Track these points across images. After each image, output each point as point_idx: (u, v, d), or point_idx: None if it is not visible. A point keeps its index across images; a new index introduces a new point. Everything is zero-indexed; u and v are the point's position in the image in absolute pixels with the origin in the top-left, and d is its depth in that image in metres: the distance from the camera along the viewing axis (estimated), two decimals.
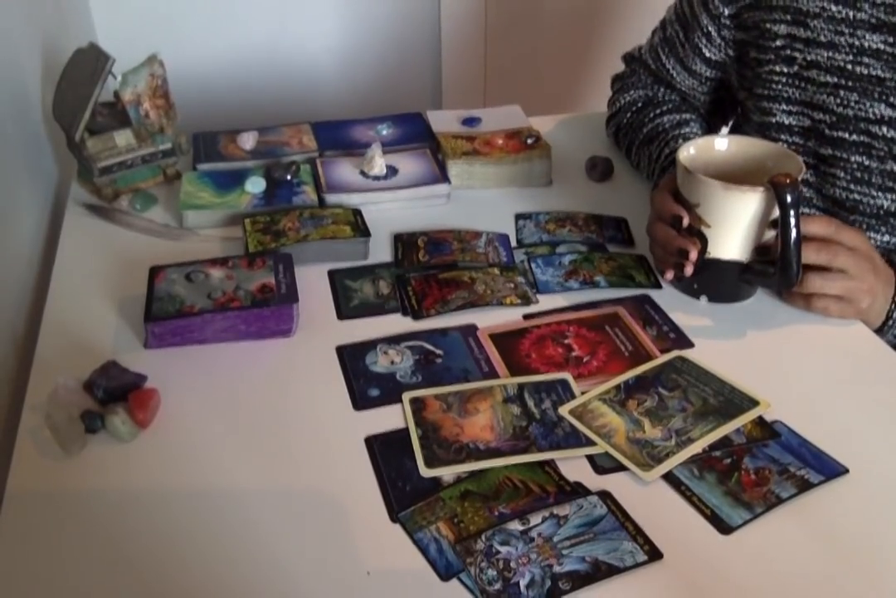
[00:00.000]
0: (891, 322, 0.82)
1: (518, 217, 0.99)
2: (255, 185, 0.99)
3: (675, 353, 0.78)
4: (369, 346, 0.79)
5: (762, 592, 0.57)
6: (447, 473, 0.66)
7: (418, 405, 0.72)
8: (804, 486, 0.64)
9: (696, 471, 0.66)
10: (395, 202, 1.01)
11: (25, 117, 1.05)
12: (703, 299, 0.85)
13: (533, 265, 0.90)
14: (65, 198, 1.05)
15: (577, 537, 0.60)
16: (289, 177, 1.01)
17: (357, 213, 0.96)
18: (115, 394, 0.71)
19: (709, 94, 1.07)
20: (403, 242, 0.93)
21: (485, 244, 0.93)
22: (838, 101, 0.87)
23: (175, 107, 1.02)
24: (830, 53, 0.87)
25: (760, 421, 0.70)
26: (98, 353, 0.77)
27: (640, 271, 0.89)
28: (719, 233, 0.79)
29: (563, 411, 0.71)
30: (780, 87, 0.92)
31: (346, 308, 0.84)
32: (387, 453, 0.68)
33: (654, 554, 0.59)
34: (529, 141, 1.07)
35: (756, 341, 0.80)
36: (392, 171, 1.03)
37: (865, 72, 0.85)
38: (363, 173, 1.03)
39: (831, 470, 0.66)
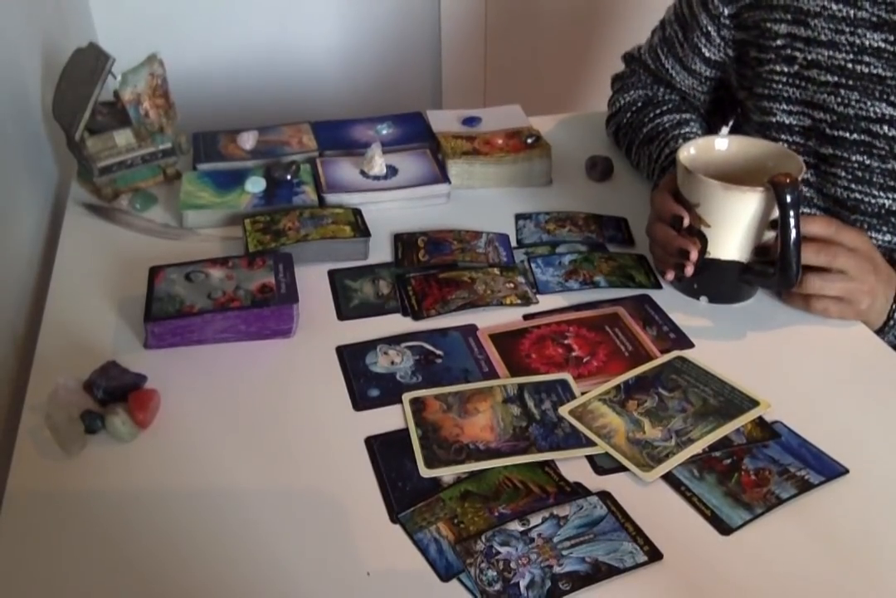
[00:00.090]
0: (892, 322, 0.82)
1: (518, 217, 0.99)
2: (255, 184, 0.99)
3: (675, 353, 0.78)
4: (369, 346, 0.79)
5: (762, 592, 0.57)
6: (447, 473, 0.66)
7: (418, 406, 0.72)
8: (804, 486, 0.64)
9: (696, 472, 0.66)
10: (395, 202, 1.00)
11: (25, 117, 1.05)
12: (703, 299, 0.85)
13: (533, 265, 0.90)
14: (65, 198, 1.05)
15: (577, 537, 0.60)
16: (289, 177, 1.01)
17: (357, 212, 0.96)
18: (115, 394, 0.71)
19: (708, 94, 1.07)
20: (403, 242, 0.93)
21: (485, 244, 0.92)
22: (839, 100, 0.87)
23: (175, 106, 1.02)
24: (831, 52, 0.87)
25: (760, 422, 0.70)
26: (98, 353, 0.77)
27: (640, 271, 0.89)
28: (719, 233, 0.79)
29: (563, 411, 0.71)
30: (780, 86, 0.92)
31: (346, 308, 0.84)
32: (387, 453, 0.68)
33: (654, 555, 0.59)
34: (529, 141, 1.07)
35: (756, 342, 0.80)
36: (392, 170, 1.03)
37: (866, 71, 0.85)
38: (363, 173, 1.03)
39: (831, 471, 0.66)
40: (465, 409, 0.71)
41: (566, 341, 0.79)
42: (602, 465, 0.67)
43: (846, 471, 0.66)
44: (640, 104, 1.09)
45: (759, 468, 0.66)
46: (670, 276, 0.83)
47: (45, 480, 0.66)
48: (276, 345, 0.79)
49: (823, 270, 0.78)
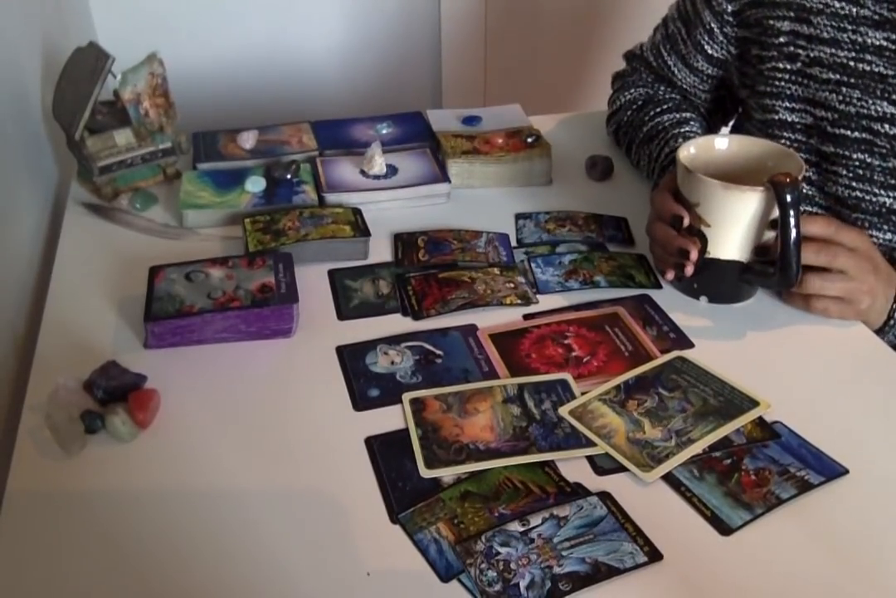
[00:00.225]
0: (892, 322, 0.82)
1: (518, 217, 0.99)
2: (255, 184, 0.99)
3: (675, 353, 0.78)
4: (369, 346, 0.79)
5: (762, 593, 0.57)
6: (447, 473, 0.66)
7: (418, 406, 0.72)
8: (804, 487, 0.64)
9: (696, 472, 0.66)
10: (395, 202, 1.00)
11: (25, 117, 1.05)
12: (703, 299, 0.85)
13: (533, 265, 0.90)
14: (65, 198, 1.05)
15: (577, 538, 0.60)
16: (289, 176, 1.01)
17: (357, 212, 0.96)
18: (115, 394, 0.71)
19: (709, 93, 1.07)
20: (403, 242, 0.93)
21: (485, 244, 0.92)
22: (840, 98, 0.88)
23: (175, 106, 1.02)
24: (833, 50, 0.87)
25: (760, 422, 0.70)
26: (98, 353, 0.77)
27: (640, 271, 0.89)
28: (719, 233, 0.79)
29: (563, 411, 0.71)
30: (782, 84, 0.92)
31: (346, 308, 0.84)
32: (387, 453, 0.68)
33: (654, 555, 0.59)
34: (529, 140, 1.07)
35: (756, 342, 0.80)
36: (392, 170, 1.03)
37: (868, 69, 0.86)
38: (363, 173, 1.03)
39: (831, 471, 0.66)
40: (465, 409, 0.71)
41: (566, 341, 0.79)
42: (602, 465, 0.67)
43: (846, 471, 0.66)
44: (640, 102, 1.09)
45: (759, 469, 0.66)
46: (670, 275, 0.83)
47: (45, 480, 0.66)
48: (276, 345, 0.79)
49: (823, 270, 0.78)
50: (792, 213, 0.73)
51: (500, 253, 0.91)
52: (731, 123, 1.14)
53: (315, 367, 0.77)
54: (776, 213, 0.75)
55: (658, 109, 1.05)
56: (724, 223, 0.78)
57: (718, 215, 0.78)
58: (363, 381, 0.75)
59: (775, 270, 0.77)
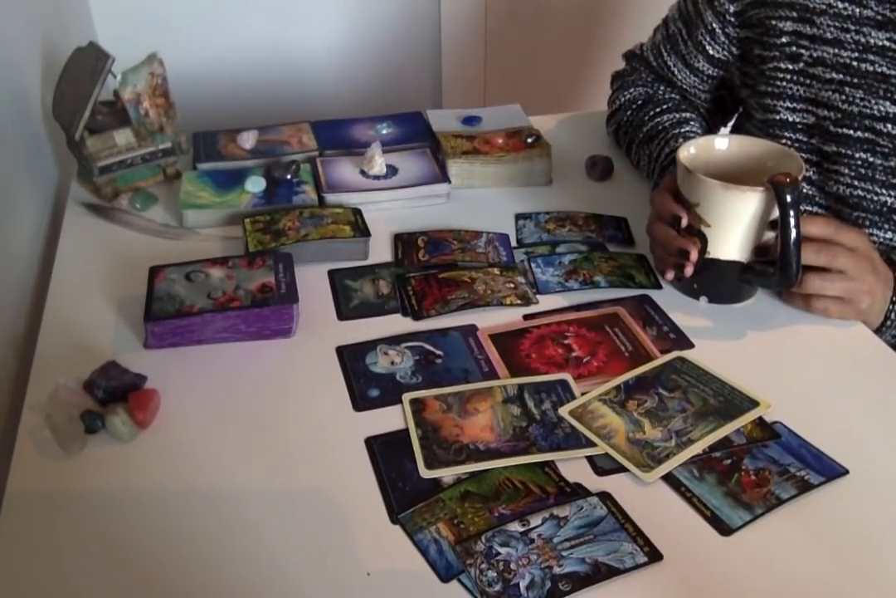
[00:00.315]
0: (889, 322, 0.82)
1: (518, 217, 0.99)
2: (255, 184, 0.99)
3: (675, 353, 0.78)
4: (369, 346, 0.79)
5: (762, 593, 0.57)
6: (447, 474, 0.66)
7: (418, 406, 0.72)
8: (804, 487, 0.64)
9: (696, 472, 0.66)
10: (395, 202, 1.00)
11: (25, 117, 1.05)
12: (703, 299, 0.85)
13: (533, 265, 0.90)
14: (65, 198, 1.05)
15: (577, 538, 0.60)
16: (289, 176, 1.01)
17: (357, 212, 0.96)
18: (115, 394, 0.71)
19: (709, 93, 1.07)
20: (403, 242, 0.93)
21: (485, 244, 0.92)
22: (843, 97, 0.88)
23: (175, 106, 1.02)
24: (836, 50, 0.87)
25: (760, 422, 0.70)
26: (98, 353, 0.77)
27: (640, 271, 0.89)
28: (719, 233, 0.79)
29: (563, 411, 0.71)
30: (784, 84, 0.92)
31: (346, 308, 0.84)
32: (387, 453, 0.68)
33: (654, 555, 0.59)
34: (529, 140, 1.07)
35: (756, 342, 0.80)
36: (392, 170, 1.03)
37: (871, 69, 0.86)
38: (363, 173, 1.03)
39: (831, 471, 0.66)
40: (465, 409, 0.71)
41: (566, 341, 0.79)
42: (602, 465, 0.67)
43: (846, 471, 0.66)
44: (640, 102, 1.09)
45: (759, 469, 0.66)
46: (670, 275, 0.83)
47: (45, 480, 0.66)
48: (276, 345, 0.79)
49: (823, 270, 0.78)
50: (792, 213, 0.73)
51: (500, 253, 0.91)
52: (730, 124, 1.14)
53: (315, 367, 0.77)
54: (776, 213, 0.75)
55: (658, 109, 1.05)
56: (724, 223, 0.78)
57: (718, 215, 0.78)
58: (363, 381, 0.75)
59: (775, 270, 0.77)
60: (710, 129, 1.10)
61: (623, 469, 0.66)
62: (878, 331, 0.82)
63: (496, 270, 0.88)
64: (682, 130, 1.01)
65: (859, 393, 0.74)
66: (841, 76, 0.88)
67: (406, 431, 0.69)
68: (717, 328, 0.82)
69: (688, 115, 1.04)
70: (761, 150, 0.83)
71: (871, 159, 0.88)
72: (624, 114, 1.10)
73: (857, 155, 0.89)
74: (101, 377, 0.72)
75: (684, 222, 0.80)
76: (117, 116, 1.01)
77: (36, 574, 0.59)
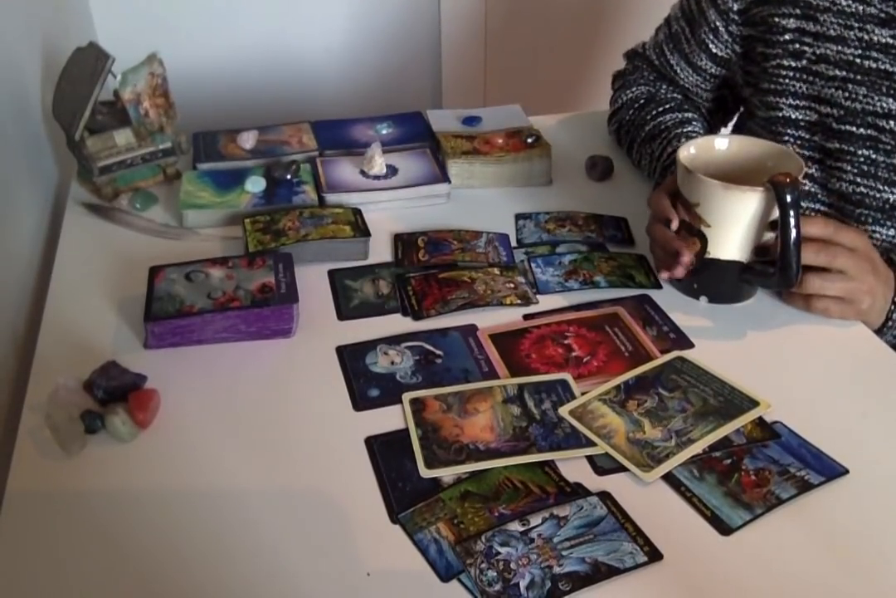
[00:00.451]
0: (890, 323, 0.82)
1: (518, 217, 0.99)
2: (255, 184, 0.99)
3: (675, 353, 0.78)
4: (369, 346, 0.79)
5: (762, 593, 0.57)
6: (447, 473, 0.66)
7: (418, 406, 0.72)
8: (804, 487, 0.64)
9: (696, 472, 0.66)
10: (395, 202, 1.00)
11: (25, 117, 1.05)
12: (703, 299, 0.85)
13: (533, 265, 0.90)
14: (65, 198, 1.05)
15: (577, 538, 0.60)
16: (289, 176, 1.01)
17: (357, 212, 0.96)
18: (115, 394, 0.71)
19: (711, 92, 1.07)
20: (403, 242, 0.93)
21: (485, 244, 0.92)
22: (846, 95, 0.88)
23: (175, 106, 1.02)
24: (839, 47, 0.87)
25: (760, 422, 0.70)
26: (98, 353, 0.77)
27: (640, 271, 0.89)
28: (719, 233, 0.79)
29: (563, 411, 0.71)
30: (787, 81, 0.92)
31: (346, 308, 0.84)
32: (387, 453, 0.68)
33: (654, 555, 0.59)
34: (529, 140, 1.07)
35: (756, 342, 0.80)
36: (392, 170, 1.03)
37: (874, 66, 0.86)
38: (363, 173, 1.03)
39: (831, 471, 0.66)
40: (465, 409, 0.71)
41: (566, 341, 0.79)
42: (602, 465, 0.67)
43: (846, 471, 0.66)
44: (642, 101, 1.09)
45: (759, 469, 0.66)
46: (666, 275, 0.83)
47: (45, 480, 0.66)
48: (276, 345, 0.79)
49: (824, 271, 0.78)
50: (792, 213, 0.73)
51: (500, 253, 0.91)
52: (731, 124, 1.14)
53: (315, 367, 0.77)
54: (776, 213, 0.75)
55: (660, 109, 1.05)
56: (724, 223, 0.78)
57: (718, 215, 0.78)
58: (363, 381, 0.75)
59: (775, 270, 0.77)
60: (711, 129, 1.10)
61: (623, 469, 0.66)
62: (879, 332, 0.82)
63: (496, 270, 0.88)
64: (685, 129, 1.01)
65: (859, 393, 0.74)
66: (844, 73, 0.88)
67: (406, 431, 0.69)
68: (717, 328, 0.82)
69: (690, 115, 1.04)
70: (761, 150, 0.83)
71: (873, 156, 0.88)
72: (626, 113, 1.10)
73: (859, 152, 0.89)
74: (101, 377, 0.72)
75: (674, 225, 0.81)
76: (117, 116, 1.01)
77: (36, 574, 0.59)
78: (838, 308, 0.80)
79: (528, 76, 2.07)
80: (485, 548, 0.59)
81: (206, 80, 1.85)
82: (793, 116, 0.93)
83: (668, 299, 0.85)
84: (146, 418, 0.70)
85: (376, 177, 1.02)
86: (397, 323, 0.82)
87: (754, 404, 0.71)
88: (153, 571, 0.59)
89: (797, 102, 0.92)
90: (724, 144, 0.85)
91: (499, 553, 0.59)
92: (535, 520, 0.61)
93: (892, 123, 0.86)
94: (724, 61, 1.02)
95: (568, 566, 0.58)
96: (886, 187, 0.89)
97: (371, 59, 1.95)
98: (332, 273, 0.89)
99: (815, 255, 0.77)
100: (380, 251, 0.92)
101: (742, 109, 1.10)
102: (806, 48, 0.90)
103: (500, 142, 1.07)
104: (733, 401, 0.72)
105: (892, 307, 0.81)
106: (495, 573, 0.57)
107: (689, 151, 0.83)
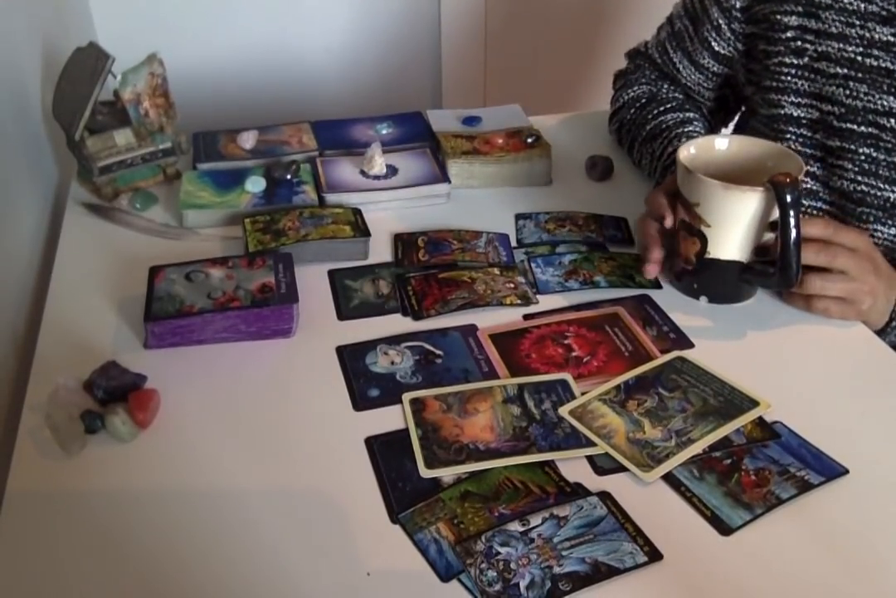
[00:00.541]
0: (894, 323, 0.82)
1: (518, 217, 0.99)
2: (255, 184, 0.99)
3: (675, 353, 0.78)
4: (369, 346, 0.79)
5: (762, 593, 0.57)
6: (447, 473, 0.66)
7: (418, 406, 0.72)
8: (804, 487, 0.64)
9: (696, 472, 0.66)
10: (395, 202, 1.00)
11: (25, 117, 1.05)
12: (703, 299, 0.85)
13: (533, 265, 0.90)
14: (65, 198, 1.05)
15: (577, 538, 0.60)
16: (289, 176, 1.01)
17: (357, 212, 0.96)
18: (115, 394, 0.71)
19: (713, 91, 1.07)
20: (403, 242, 0.93)
21: (485, 244, 0.92)
22: (847, 92, 0.88)
23: (175, 106, 1.02)
24: (841, 45, 0.88)
25: (760, 422, 0.70)
26: (98, 353, 0.77)
27: (641, 271, 0.89)
28: (719, 233, 0.79)
29: (563, 411, 0.71)
30: (789, 78, 0.92)
31: (346, 308, 0.84)
32: (387, 453, 0.68)
33: (654, 555, 0.59)
34: (529, 140, 1.07)
35: (756, 342, 0.80)
36: (392, 170, 1.03)
37: (875, 64, 0.86)
38: (363, 173, 1.03)
39: (831, 471, 0.66)
40: (465, 409, 0.71)
41: (566, 341, 0.79)
42: (602, 465, 0.67)
43: (846, 471, 0.66)
44: (643, 100, 1.09)
45: (759, 469, 0.66)
46: (648, 273, 0.84)
47: (45, 480, 0.66)
48: (276, 345, 0.79)
49: (824, 271, 0.78)
50: (792, 213, 0.73)
51: (500, 253, 0.91)
52: (732, 124, 1.14)
53: (315, 367, 0.77)
54: (776, 213, 0.75)
55: (662, 108, 1.05)
56: (724, 223, 0.78)
57: (718, 215, 0.78)
58: (363, 381, 0.75)
59: (775, 270, 0.77)
60: (712, 128, 1.10)
61: (623, 469, 0.66)
62: (882, 332, 0.82)
63: (496, 270, 0.88)
64: (686, 129, 1.01)
65: (859, 393, 0.74)
66: (845, 71, 0.88)
67: (406, 431, 0.69)
68: (717, 328, 0.82)
69: (691, 115, 1.04)
70: (761, 150, 0.83)
71: (874, 155, 0.88)
72: (627, 112, 1.10)
73: (860, 150, 0.89)
74: (101, 377, 0.72)
75: (667, 223, 0.82)
76: (117, 116, 1.01)
77: (36, 574, 0.59)
78: (839, 309, 0.80)
79: (528, 76, 2.07)
80: (485, 548, 0.59)
81: (206, 80, 1.85)
82: (794, 114, 0.93)
83: (668, 299, 0.85)
84: (146, 418, 0.70)
85: (376, 177, 1.02)
86: (397, 323, 0.82)
87: (754, 404, 0.71)
88: (153, 571, 0.59)
89: (798, 99, 0.92)
90: (724, 143, 0.85)
91: (499, 553, 0.59)
92: (535, 520, 0.61)
93: (892, 121, 0.86)
94: (727, 59, 1.02)
95: (568, 566, 0.58)
96: (887, 186, 0.89)
97: (371, 60, 1.95)
98: (332, 273, 0.89)
99: (815, 255, 0.77)
100: (380, 251, 0.92)
101: (743, 108, 1.10)
102: (808, 45, 0.90)
103: (500, 142, 1.07)
104: (733, 401, 0.72)
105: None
106: (495, 573, 0.57)
107: (689, 151, 0.83)
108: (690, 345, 0.79)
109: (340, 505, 0.64)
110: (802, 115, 0.93)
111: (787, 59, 0.92)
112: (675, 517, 0.62)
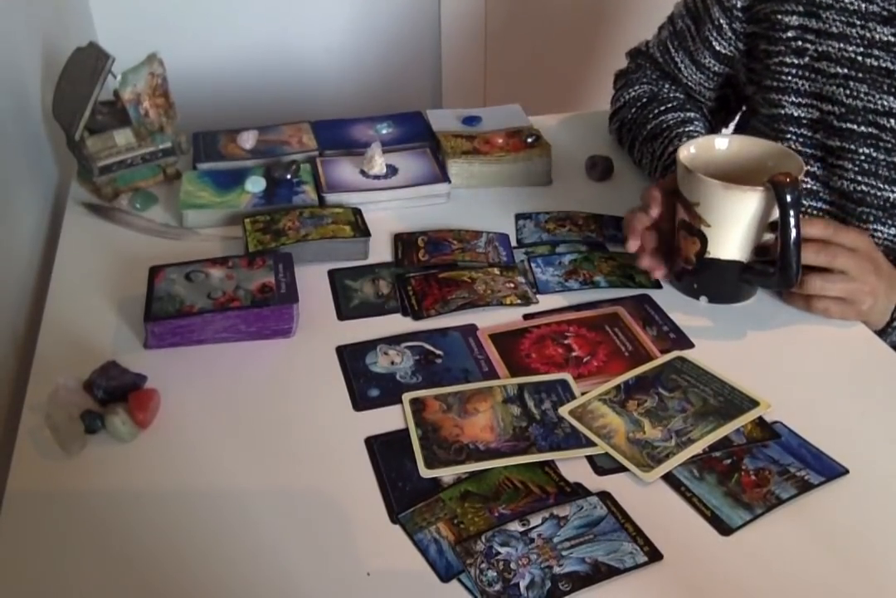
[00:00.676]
0: (895, 324, 0.81)
1: (518, 217, 0.99)
2: (255, 184, 0.99)
3: (675, 353, 0.78)
4: (369, 346, 0.79)
5: (762, 593, 0.57)
6: (447, 473, 0.66)
7: (418, 406, 0.72)
8: (804, 487, 0.64)
9: (696, 472, 0.66)
10: (395, 201, 1.00)
11: (25, 117, 1.05)
12: (703, 299, 0.85)
13: (533, 265, 0.90)
14: (65, 198, 1.05)
15: (577, 538, 0.60)
16: (289, 176, 1.01)
17: (357, 212, 0.96)
18: (115, 394, 0.71)
19: (714, 91, 1.07)
20: (403, 242, 0.93)
21: (485, 244, 0.92)
22: (848, 92, 0.88)
23: (175, 106, 1.02)
24: (842, 45, 0.88)
25: (760, 422, 0.70)
26: (98, 353, 0.77)
27: (640, 271, 0.89)
28: (719, 233, 0.79)
29: (563, 411, 0.71)
30: (789, 78, 0.92)
31: (346, 308, 0.84)
32: (387, 453, 0.68)
33: (654, 555, 0.59)
34: (529, 140, 1.07)
35: (756, 342, 0.80)
36: (392, 170, 1.03)
37: (875, 64, 0.86)
38: (363, 173, 1.03)
39: (831, 471, 0.66)
40: (465, 409, 0.71)
41: (566, 341, 0.79)
42: (602, 465, 0.67)
43: (846, 471, 0.66)
44: (644, 100, 1.09)
45: (759, 469, 0.66)
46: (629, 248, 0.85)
47: (45, 480, 0.66)
48: (276, 345, 0.79)
49: (825, 271, 0.78)
50: (792, 213, 0.73)
51: (500, 253, 0.91)
52: (732, 124, 1.14)
53: (315, 367, 0.77)
54: (776, 213, 0.75)
55: (662, 108, 1.05)
56: (724, 223, 0.78)
57: (718, 215, 0.78)
58: (363, 381, 0.75)
59: (775, 270, 0.77)
60: (713, 128, 1.10)
61: (623, 469, 0.66)
62: (883, 332, 0.82)
63: (496, 270, 0.88)
64: (686, 129, 1.01)
65: (859, 393, 0.74)
66: (846, 71, 0.88)
67: (406, 431, 0.69)
68: (717, 328, 0.82)
69: (692, 114, 1.04)
70: (761, 150, 0.83)
71: (874, 155, 0.88)
72: (628, 111, 1.10)
73: (860, 150, 0.89)
74: (101, 377, 0.72)
75: (653, 213, 0.83)
76: (117, 116, 1.01)
77: (36, 574, 0.59)
78: (839, 309, 0.80)
79: (528, 76, 2.07)
80: (485, 548, 0.59)
81: (206, 80, 1.85)
82: (795, 114, 0.93)
83: (668, 298, 0.85)
84: (146, 418, 0.70)
85: (376, 177, 1.02)
86: (397, 323, 0.82)
87: (754, 404, 0.71)
88: (153, 571, 0.59)
89: (799, 99, 0.92)
90: (724, 143, 0.85)
91: (499, 553, 0.59)
92: (535, 520, 0.61)
93: (892, 121, 0.86)
94: (728, 59, 1.02)
95: (568, 566, 0.58)
96: (887, 186, 0.89)
97: (371, 60, 1.95)
98: (332, 273, 0.89)
99: (815, 255, 0.77)
100: (380, 251, 0.92)
101: (744, 108, 1.10)
102: (808, 45, 0.90)
103: (500, 142, 1.07)
104: (733, 401, 0.72)
105: None
106: (495, 573, 0.57)
107: (689, 151, 0.83)
108: (690, 345, 0.79)
109: (340, 505, 0.64)
110: (803, 114, 0.93)
111: (787, 59, 0.92)
112: (675, 517, 0.62)
